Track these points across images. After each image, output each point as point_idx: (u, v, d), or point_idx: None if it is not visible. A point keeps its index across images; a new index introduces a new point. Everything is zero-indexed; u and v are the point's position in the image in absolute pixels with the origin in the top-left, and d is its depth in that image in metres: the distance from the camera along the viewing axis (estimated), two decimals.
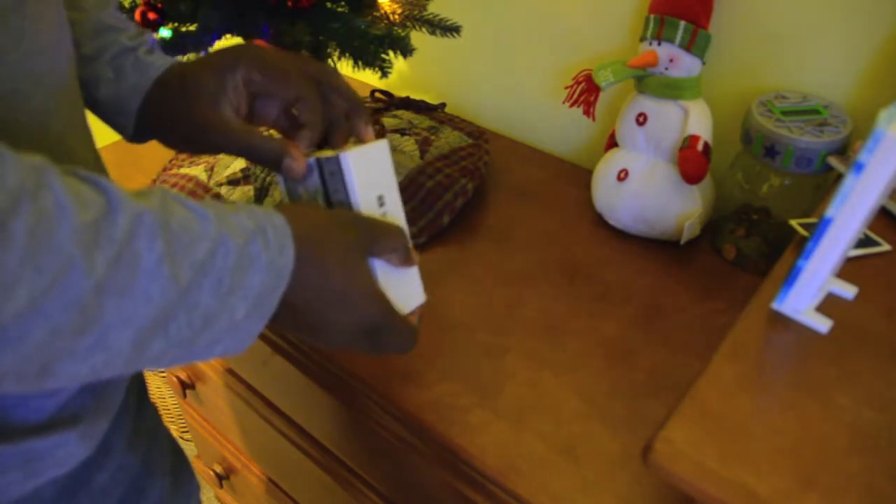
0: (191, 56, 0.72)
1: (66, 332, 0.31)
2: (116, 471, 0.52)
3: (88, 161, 0.48)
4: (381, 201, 0.51)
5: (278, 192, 0.81)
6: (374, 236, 0.47)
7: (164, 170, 0.91)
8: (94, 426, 0.47)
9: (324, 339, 0.46)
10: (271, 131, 0.55)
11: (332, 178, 0.49)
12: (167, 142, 0.56)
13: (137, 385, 0.59)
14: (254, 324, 0.39)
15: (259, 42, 0.67)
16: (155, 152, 0.84)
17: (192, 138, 0.53)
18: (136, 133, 0.56)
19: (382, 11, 0.77)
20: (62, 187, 0.30)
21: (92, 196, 0.32)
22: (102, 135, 0.60)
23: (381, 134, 0.89)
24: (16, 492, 0.43)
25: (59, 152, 0.42)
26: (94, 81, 0.54)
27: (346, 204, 0.50)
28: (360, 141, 0.52)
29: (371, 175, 0.50)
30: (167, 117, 0.54)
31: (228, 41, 0.74)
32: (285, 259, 0.40)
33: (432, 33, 0.78)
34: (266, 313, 0.39)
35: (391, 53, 0.75)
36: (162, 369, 0.39)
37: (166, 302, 0.34)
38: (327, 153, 0.50)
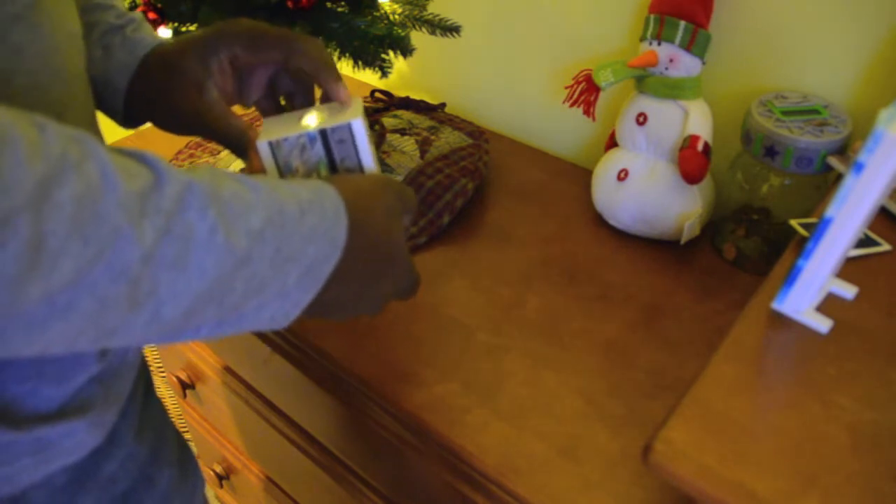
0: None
1: (116, 304, 0.30)
2: (125, 460, 0.53)
3: None
4: (379, 161, 0.51)
5: None
6: (404, 198, 0.48)
7: (186, 149, 0.91)
8: (104, 415, 0.47)
9: (362, 308, 0.46)
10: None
11: (340, 145, 0.49)
12: (155, 121, 0.56)
13: (145, 377, 0.60)
14: (303, 293, 0.39)
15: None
16: (155, 151, 0.83)
17: (177, 121, 0.54)
18: (126, 114, 0.56)
19: (382, 11, 0.77)
20: (107, 158, 0.30)
21: (137, 168, 0.31)
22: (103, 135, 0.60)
23: (381, 135, 0.89)
24: (27, 479, 0.44)
25: None
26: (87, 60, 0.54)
27: (358, 169, 0.50)
28: (329, 101, 0.52)
29: (368, 136, 0.50)
30: (153, 99, 0.54)
31: None
32: (339, 229, 0.40)
33: (432, 33, 0.78)
34: (317, 282, 0.39)
35: (391, 53, 0.75)
36: (199, 338, 0.38)
37: (222, 273, 0.33)
38: (318, 121, 0.50)
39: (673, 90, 0.74)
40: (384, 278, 0.45)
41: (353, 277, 0.43)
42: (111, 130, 0.64)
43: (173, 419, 0.66)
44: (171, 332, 0.34)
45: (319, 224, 0.38)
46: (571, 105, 0.79)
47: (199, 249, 0.32)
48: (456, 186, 0.83)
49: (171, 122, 0.55)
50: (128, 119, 0.57)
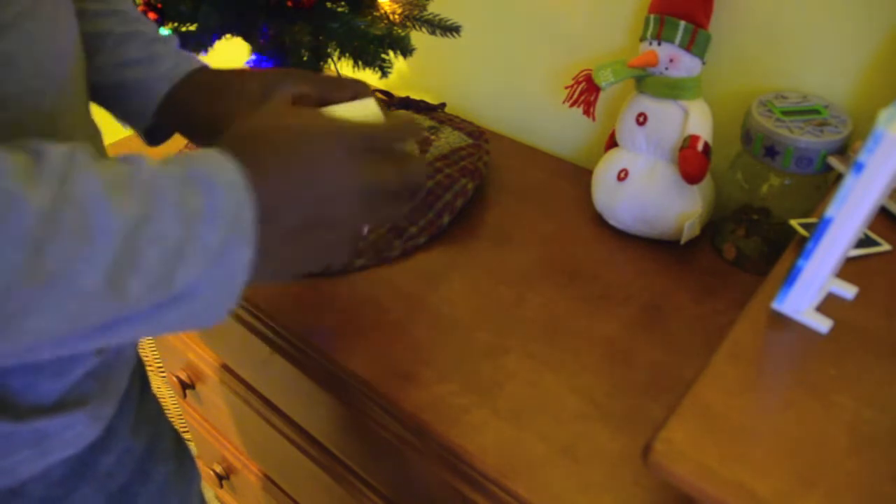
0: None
1: (23, 275, 0.29)
2: (122, 454, 0.54)
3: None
4: None
5: None
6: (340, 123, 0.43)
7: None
8: (101, 409, 0.48)
9: (348, 219, 0.41)
10: None
11: None
12: (188, 131, 0.57)
13: (140, 373, 0.61)
14: (238, 250, 0.35)
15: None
16: (155, 151, 0.84)
17: (215, 137, 0.54)
18: (154, 126, 0.56)
19: (382, 11, 0.77)
20: None
21: (15, 150, 0.31)
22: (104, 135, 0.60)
23: None
24: (27, 471, 0.45)
25: None
26: (126, 63, 0.55)
27: None
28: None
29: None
30: (196, 111, 0.54)
31: (228, 41, 0.74)
32: (230, 173, 0.36)
33: (432, 33, 0.78)
34: (246, 234, 0.36)
35: (391, 53, 0.75)
36: (169, 329, 0.36)
37: (125, 231, 0.32)
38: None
39: (673, 90, 0.74)
40: (332, 174, 0.40)
41: (296, 203, 0.39)
42: (111, 132, 0.64)
43: (173, 419, 0.67)
44: (106, 311, 0.32)
45: (205, 176, 0.35)
46: (571, 105, 0.79)
47: (93, 209, 0.31)
48: (456, 186, 0.83)
49: (206, 138, 0.55)
50: (153, 127, 0.57)
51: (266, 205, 0.37)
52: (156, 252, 0.33)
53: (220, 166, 0.36)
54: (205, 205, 0.35)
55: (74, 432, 0.46)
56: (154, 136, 0.58)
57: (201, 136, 0.56)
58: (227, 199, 0.35)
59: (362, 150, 0.42)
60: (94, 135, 0.49)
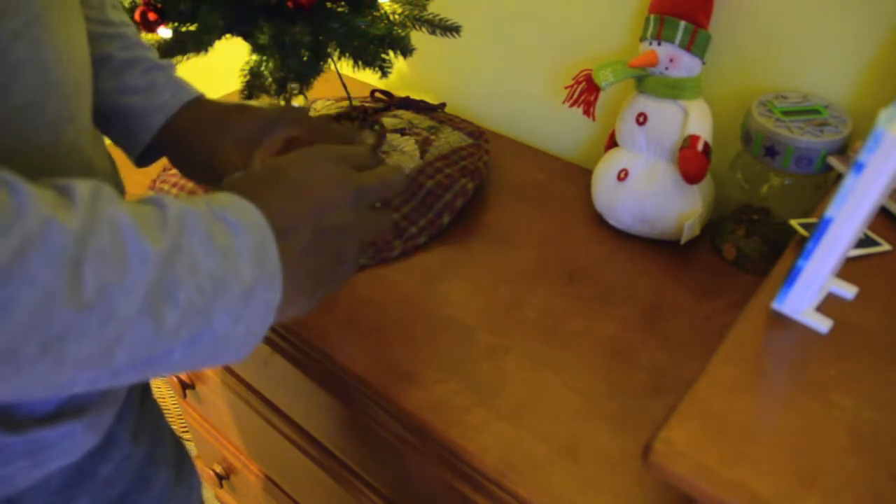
0: (190, 56, 0.72)
1: (62, 296, 0.29)
2: (121, 462, 0.53)
3: (105, 167, 0.49)
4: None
5: None
6: (338, 151, 0.48)
7: (164, 170, 0.91)
8: (100, 418, 0.47)
9: (348, 226, 0.45)
10: None
11: None
12: (177, 164, 0.58)
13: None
14: (269, 291, 0.37)
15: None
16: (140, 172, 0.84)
17: (205, 170, 0.55)
18: (146, 149, 0.57)
19: (382, 11, 0.77)
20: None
21: (42, 186, 0.31)
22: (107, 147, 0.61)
23: (381, 135, 0.89)
24: (24, 480, 0.44)
25: (74, 160, 0.43)
26: (125, 90, 0.56)
27: None
28: None
29: None
30: (189, 144, 0.56)
31: (228, 41, 0.74)
32: (251, 212, 0.38)
33: (432, 33, 0.78)
34: (275, 274, 0.38)
35: (391, 53, 0.75)
36: (197, 365, 0.37)
37: (158, 259, 0.32)
38: None
39: (673, 90, 0.74)
40: (326, 196, 0.44)
41: (304, 234, 0.41)
42: None
43: (173, 419, 0.67)
44: (142, 339, 0.32)
45: (226, 214, 0.37)
46: (571, 105, 0.79)
47: (128, 235, 0.31)
48: (456, 186, 0.83)
49: (197, 169, 0.57)
50: (145, 152, 0.58)
51: (279, 228, 0.39)
52: (192, 283, 0.33)
53: (240, 206, 0.38)
54: (234, 241, 0.36)
55: (72, 441, 0.45)
56: (143, 159, 0.59)
57: (192, 167, 0.57)
58: (254, 237, 0.37)
59: (342, 163, 0.46)
60: (97, 143, 0.49)
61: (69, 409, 0.44)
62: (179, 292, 0.33)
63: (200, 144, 0.55)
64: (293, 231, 0.41)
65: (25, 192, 0.29)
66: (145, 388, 0.61)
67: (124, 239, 0.31)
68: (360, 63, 0.74)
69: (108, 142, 0.56)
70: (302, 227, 0.42)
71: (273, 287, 0.38)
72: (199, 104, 0.57)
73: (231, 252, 0.36)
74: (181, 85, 0.58)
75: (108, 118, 0.56)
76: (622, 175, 0.79)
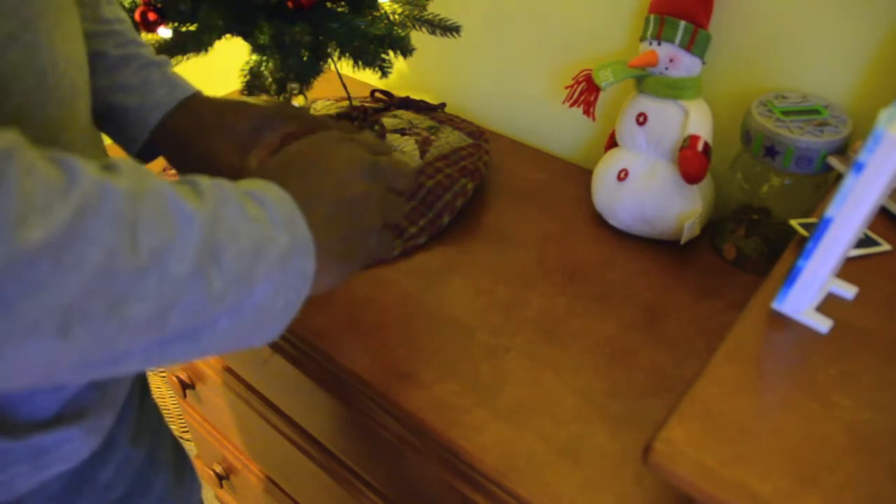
0: (190, 56, 0.72)
1: (123, 255, 0.30)
2: (121, 465, 0.53)
3: None
4: None
5: None
6: (350, 136, 0.49)
7: (164, 170, 0.91)
8: (100, 421, 0.47)
9: (366, 199, 0.46)
10: None
11: None
12: (174, 162, 0.58)
13: (141, 381, 0.60)
14: (304, 259, 0.39)
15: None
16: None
17: (205, 169, 0.55)
18: (144, 147, 0.57)
19: (382, 11, 0.77)
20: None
21: (91, 163, 0.32)
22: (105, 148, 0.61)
23: (381, 135, 0.89)
24: (23, 485, 0.44)
25: None
26: (119, 88, 0.55)
27: None
28: None
29: None
30: (187, 141, 0.56)
31: (228, 41, 0.74)
32: (275, 190, 0.40)
33: (432, 33, 0.78)
34: (306, 243, 0.39)
35: (391, 53, 0.75)
36: (236, 343, 0.39)
37: (202, 223, 0.34)
38: None
39: (673, 90, 0.74)
40: (347, 179, 0.45)
41: (331, 208, 0.43)
42: None
43: (173, 419, 0.66)
44: (196, 301, 0.33)
45: (256, 189, 0.39)
46: (571, 105, 0.79)
47: (172, 201, 0.33)
48: (456, 186, 0.83)
49: (194, 167, 0.56)
50: (143, 150, 0.58)
51: (302, 203, 0.40)
52: (234, 247, 0.35)
53: (263, 185, 0.40)
54: (264, 213, 0.37)
55: (72, 446, 0.45)
56: (142, 157, 0.59)
57: (189, 166, 0.57)
58: (282, 210, 0.39)
59: (350, 140, 0.48)
60: (96, 145, 0.49)
61: (69, 414, 0.44)
62: (224, 255, 0.34)
63: (197, 143, 0.55)
64: (316, 204, 0.42)
65: (75, 163, 0.30)
66: (144, 390, 0.60)
67: (169, 204, 0.33)
68: (360, 63, 0.74)
69: (107, 140, 0.56)
70: (324, 200, 0.43)
71: (307, 255, 0.39)
72: (195, 102, 0.57)
73: (264, 221, 0.37)
74: (176, 82, 0.58)
75: (103, 116, 0.56)
76: (622, 175, 0.79)
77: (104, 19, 0.56)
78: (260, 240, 0.36)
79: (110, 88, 0.55)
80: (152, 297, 0.31)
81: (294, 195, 0.40)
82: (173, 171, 0.88)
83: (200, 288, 0.33)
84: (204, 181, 0.36)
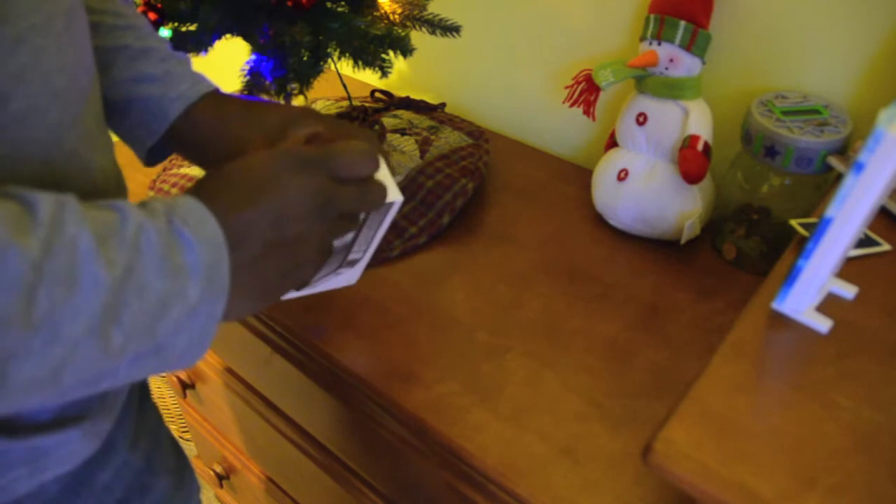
0: (190, 56, 0.72)
1: (13, 319, 0.30)
2: (120, 468, 0.53)
3: (108, 172, 0.48)
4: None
5: None
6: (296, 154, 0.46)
7: (164, 170, 0.91)
8: (98, 425, 0.47)
9: (308, 237, 0.44)
10: None
11: (375, 214, 0.51)
12: (195, 156, 0.57)
13: (140, 385, 0.60)
14: (214, 304, 0.38)
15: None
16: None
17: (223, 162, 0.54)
18: (158, 143, 0.56)
19: (382, 11, 0.77)
20: None
21: (7, 199, 0.32)
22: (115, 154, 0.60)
23: (381, 135, 0.89)
24: (21, 488, 0.44)
25: (74, 165, 0.42)
26: (142, 79, 0.55)
27: (371, 237, 0.53)
28: None
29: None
30: (214, 134, 0.55)
31: (228, 41, 0.74)
32: (210, 227, 0.38)
33: (432, 33, 0.78)
34: (222, 288, 0.38)
35: (391, 53, 0.75)
36: (143, 376, 0.38)
37: (111, 284, 0.33)
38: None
39: (673, 90, 0.74)
40: (291, 223, 0.43)
41: (263, 249, 0.41)
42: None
43: (173, 419, 0.66)
44: (87, 362, 0.33)
45: (184, 230, 0.37)
46: (571, 105, 0.79)
47: (84, 261, 0.32)
48: (456, 186, 0.83)
49: (219, 160, 0.55)
50: (156, 148, 0.57)
51: (234, 239, 0.39)
52: (139, 305, 0.34)
53: (201, 220, 0.38)
54: (187, 261, 0.36)
55: (71, 449, 0.45)
56: (153, 155, 0.58)
57: (212, 157, 0.56)
58: (208, 255, 0.37)
59: (308, 170, 0.44)
60: (101, 147, 0.48)
61: (68, 416, 0.44)
62: (125, 313, 0.34)
63: (225, 135, 0.54)
64: (249, 242, 0.41)
65: None
66: (144, 393, 0.60)
67: (81, 263, 0.32)
68: (360, 63, 0.74)
69: (115, 139, 0.56)
70: (259, 237, 0.41)
71: (217, 301, 0.38)
72: (220, 97, 0.57)
73: (182, 272, 0.36)
74: (198, 77, 0.57)
75: (122, 110, 0.55)
76: (622, 175, 0.79)
77: (123, 13, 0.56)
78: (168, 296, 0.35)
79: (133, 80, 0.54)
80: (40, 355, 0.31)
81: (228, 228, 0.39)
82: (173, 171, 0.88)
83: (97, 346, 0.33)
84: (134, 219, 0.35)
